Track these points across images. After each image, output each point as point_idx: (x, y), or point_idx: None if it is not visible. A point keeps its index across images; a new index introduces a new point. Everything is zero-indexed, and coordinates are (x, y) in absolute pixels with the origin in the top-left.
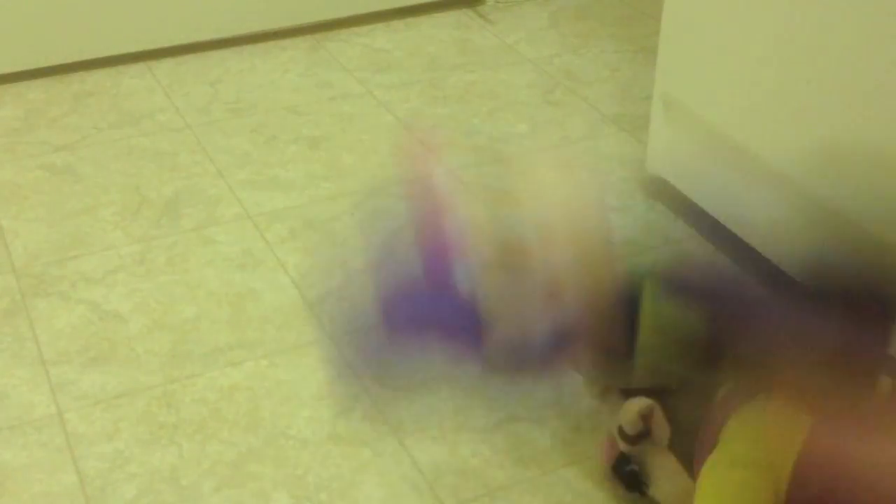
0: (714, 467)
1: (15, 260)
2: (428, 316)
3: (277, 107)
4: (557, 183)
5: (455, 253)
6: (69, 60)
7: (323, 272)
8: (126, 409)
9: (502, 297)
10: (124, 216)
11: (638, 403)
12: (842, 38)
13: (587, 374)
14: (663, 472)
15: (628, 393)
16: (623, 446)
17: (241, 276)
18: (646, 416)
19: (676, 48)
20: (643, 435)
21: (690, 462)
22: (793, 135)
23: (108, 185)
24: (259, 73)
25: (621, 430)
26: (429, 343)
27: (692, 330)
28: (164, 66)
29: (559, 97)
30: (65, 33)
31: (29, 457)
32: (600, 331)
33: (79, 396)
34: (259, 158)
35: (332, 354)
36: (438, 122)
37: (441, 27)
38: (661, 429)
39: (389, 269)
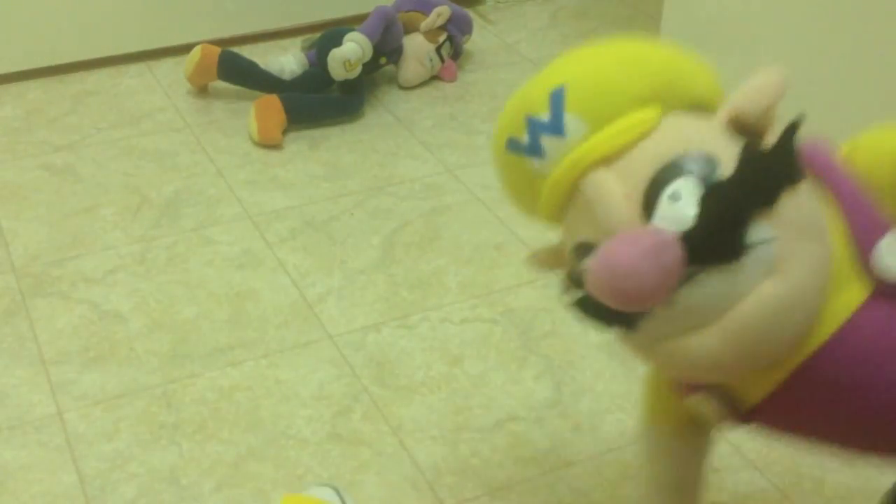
0: None
1: (15, 260)
2: None
3: None
4: None
5: None
6: (69, 60)
7: (323, 272)
8: (126, 409)
9: None
10: (124, 216)
11: None
12: (843, 38)
13: None
14: None
15: None
16: None
17: (241, 276)
18: None
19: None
20: None
21: None
22: None
23: (108, 185)
24: None
25: None
26: None
27: None
28: (164, 66)
29: None
30: (65, 33)
31: (29, 457)
32: None
33: (79, 396)
34: (259, 158)
35: (332, 354)
36: (438, 122)
37: None
38: None
39: None
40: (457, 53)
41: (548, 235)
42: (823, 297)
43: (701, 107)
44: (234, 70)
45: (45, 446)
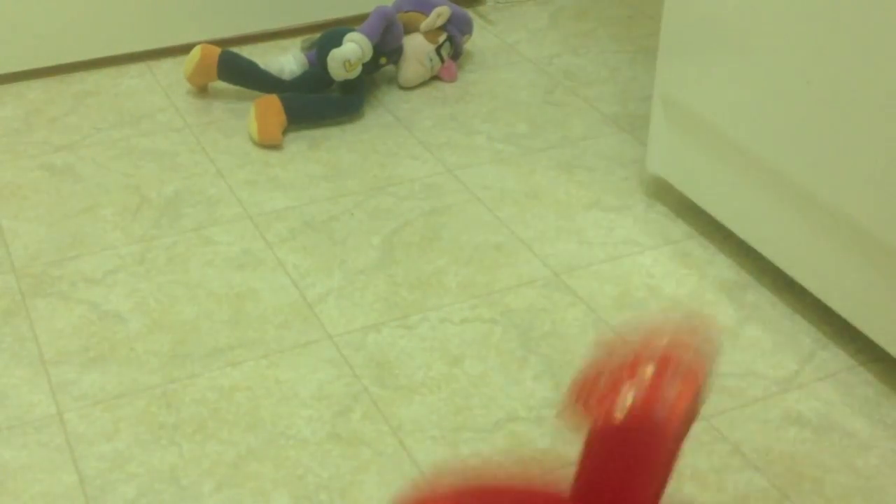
0: None
1: (15, 260)
2: None
3: None
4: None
5: None
6: (69, 60)
7: (323, 272)
8: (126, 409)
9: None
10: (124, 216)
11: None
12: (842, 38)
13: None
14: None
15: None
16: None
17: (241, 276)
18: None
19: (676, 48)
20: None
21: None
22: (793, 135)
23: (108, 185)
24: None
25: None
26: None
27: None
28: (164, 66)
29: (559, 97)
30: (65, 33)
31: (29, 457)
32: None
33: (79, 396)
34: (259, 158)
35: (332, 354)
36: (438, 122)
37: None
38: None
39: None
40: (457, 53)
41: (548, 235)
42: None
43: None
44: (234, 70)
45: (45, 446)
